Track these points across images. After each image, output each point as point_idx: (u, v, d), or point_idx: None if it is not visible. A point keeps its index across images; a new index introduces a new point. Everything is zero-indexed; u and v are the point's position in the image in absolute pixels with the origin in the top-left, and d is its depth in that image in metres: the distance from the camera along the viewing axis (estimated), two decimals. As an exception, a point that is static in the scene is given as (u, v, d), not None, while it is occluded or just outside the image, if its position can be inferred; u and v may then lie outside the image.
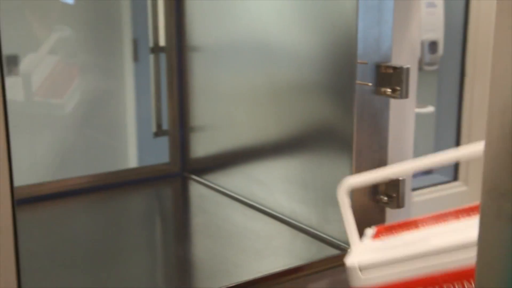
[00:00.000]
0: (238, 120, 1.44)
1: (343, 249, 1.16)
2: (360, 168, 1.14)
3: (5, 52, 1.47)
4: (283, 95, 1.31)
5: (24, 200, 1.38)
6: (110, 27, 1.69)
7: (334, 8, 1.15)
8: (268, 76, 1.33)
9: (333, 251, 1.18)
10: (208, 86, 1.53)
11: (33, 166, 1.61)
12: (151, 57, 1.62)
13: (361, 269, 0.93)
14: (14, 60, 1.49)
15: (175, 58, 1.55)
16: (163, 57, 1.61)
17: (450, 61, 2.06)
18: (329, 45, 1.17)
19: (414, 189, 1.67)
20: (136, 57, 1.79)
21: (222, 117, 1.50)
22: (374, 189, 1.17)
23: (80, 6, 1.61)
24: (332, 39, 1.16)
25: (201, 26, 1.52)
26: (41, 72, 1.56)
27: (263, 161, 1.40)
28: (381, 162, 1.17)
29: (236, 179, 1.46)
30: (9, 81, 1.49)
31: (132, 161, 1.85)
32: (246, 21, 1.37)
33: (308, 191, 1.27)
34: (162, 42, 1.61)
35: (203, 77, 1.54)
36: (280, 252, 1.21)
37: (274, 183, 1.35)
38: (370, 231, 1.04)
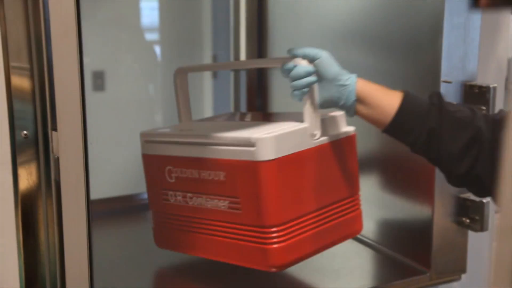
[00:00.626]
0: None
1: (420, 272, 1.14)
2: (443, 191, 1.11)
3: (92, 68, 1.53)
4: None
5: (105, 212, 1.41)
6: (191, 43, 1.72)
7: (419, 27, 1.13)
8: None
9: (409, 274, 1.15)
10: (289, 104, 1.53)
11: (113, 179, 1.65)
12: (232, 74, 1.64)
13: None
14: (100, 76, 1.54)
15: (256, 75, 1.57)
16: (243, 74, 1.62)
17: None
18: (412, 63, 1.15)
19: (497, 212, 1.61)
20: (215, 74, 1.82)
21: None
22: (458, 211, 1.14)
23: (163, 23, 1.65)
24: (416, 58, 1.14)
25: (282, 43, 1.53)
26: (126, 87, 1.60)
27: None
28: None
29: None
30: (96, 96, 1.54)
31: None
32: (328, 38, 1.37)
33: (386, 212, 1.25)
34: (243, 58, 1.62)
35: (283, 94, 1.54)
36: (356, 272, 1.19)
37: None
38: None
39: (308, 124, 1.03)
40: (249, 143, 0.99)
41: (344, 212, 1.10)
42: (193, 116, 1.25)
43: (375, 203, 1.26)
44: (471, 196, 1.11)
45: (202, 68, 1.30)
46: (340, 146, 1.08)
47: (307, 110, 1.02)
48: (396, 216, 1.23)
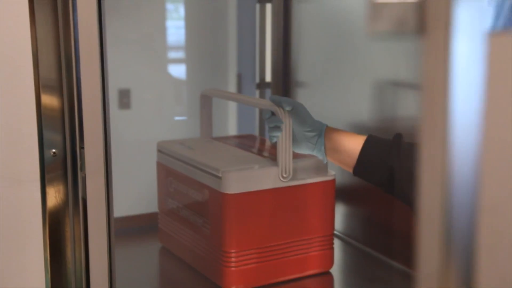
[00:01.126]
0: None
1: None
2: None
3: (118, 86, 1.54)
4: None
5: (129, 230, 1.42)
6: (216, 62, 1.73)
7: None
8: (376, 111, 1.32)
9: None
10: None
11: (138, 197, 1.65)
12: (257, 92, 1.64)
13: None
14: (126, 94, 1.55)
15: (281, 94, 1.57)
16: (268, 92, 1.63)
17: None
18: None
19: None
20: (239, 91, 1.82)
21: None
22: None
23: (189, 42, 1.66)
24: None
25: (307, 61, 1.53)
26: (151, 105, 1.61)
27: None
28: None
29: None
30: (121, 113, 1.55)
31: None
32: (354, 57, 1.37)
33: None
34: (268, 77, 1.63)
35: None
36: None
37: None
38: None
39: (279, 166, 1.11)
40: (217, 175, 1.10)
41: (313, 249, 1.18)
42: (217, 131, 1.38)
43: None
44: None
45: (224, 96, 1.39)
46: (315, 189, 1.16)
47: (279, 152, 1.10)
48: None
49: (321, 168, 1.17)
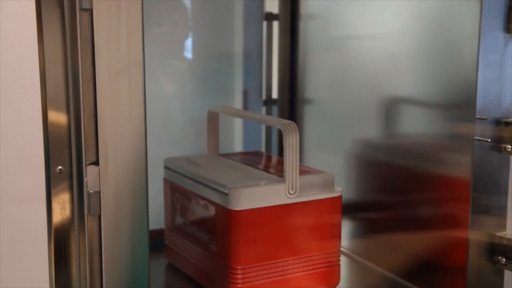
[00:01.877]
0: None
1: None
2: (478, 227, 1.09)
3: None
4: (399, 154, 1.29)
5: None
6: (222, 78, 1.73)
7: (453, 63, 1.13)
8: (384, 128, 1.32)
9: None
10: (321, 139, 1.53)
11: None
12: (263, 109, 1.64)
13: None
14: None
15: (288, 111, 1.57)
16: (275, 109, 1.63)
17: None
18: (447, 99, 1.15)
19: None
20: (245, 108, 1.83)
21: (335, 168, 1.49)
22: (492, 250, 1.11)
23: (196, 58, 1.67)
24: (450, 94, 1.14)
25: (313, 78, 1.53)
26: (159, 120, 1.62)
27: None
28: (500, 223, 1.11)
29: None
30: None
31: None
32: (361, 75, 1.37)
33: (418, 247, 1.23)
34: (274, 94, 1.63)
35: (316, 129, 1.54)
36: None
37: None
38: None
39: (285, 182, 1.11)
40: (224, 191, 1.11)
41: (319, 266, 1.18)
42: (224, 148, 1.39)
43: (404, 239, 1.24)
44: (507, 234, 1.09)
45: (231, 112, 1.40)
46: (322, 205, 1.15)
47: (287, 168, 1.11)
48: (428, 253, 1.21)
49: (328, 184, 1.17)
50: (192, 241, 1.22)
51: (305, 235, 1.16)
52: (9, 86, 0.82)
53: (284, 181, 1.12)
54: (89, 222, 0.86)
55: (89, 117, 0.83)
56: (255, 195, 1.10)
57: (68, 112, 0.85)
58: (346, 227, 1.37)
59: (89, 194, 0.84)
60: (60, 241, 0.87)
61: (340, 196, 1.17)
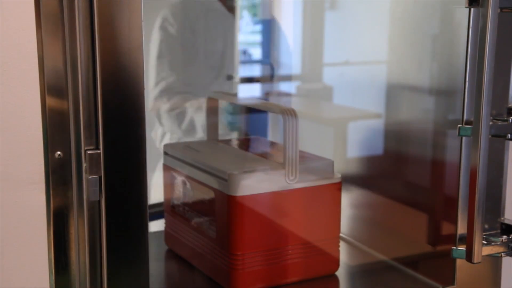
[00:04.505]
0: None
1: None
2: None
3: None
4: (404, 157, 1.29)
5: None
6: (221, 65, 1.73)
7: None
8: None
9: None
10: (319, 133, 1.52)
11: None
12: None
13: None
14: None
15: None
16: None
17: None
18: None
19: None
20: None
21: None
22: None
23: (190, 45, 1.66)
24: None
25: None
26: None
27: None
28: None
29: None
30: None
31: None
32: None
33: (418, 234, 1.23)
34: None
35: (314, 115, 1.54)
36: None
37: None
38: None
39: (285, 168, 1.11)
40: (224, 177, 1.11)
41: (319, 251, 1.18)
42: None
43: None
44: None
45: (230, 99, 1.44)
46: (322, 192, 1.16)
47: (286, 154, 1.11)
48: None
49: (328, 170, 1.17)
50: (192, 227, 1.23)
51: (305, 221, 1.16)
52: (8, 71, 0.81)
53: (283, 167, 1.12)
54: (88, 208, 0.86)
55: (88, 103, 0.83)
56: (255, 181, 1.10)
57: (66, 98, 0.85)
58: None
59: (88, 180, 0.84)
60: (59, 226, 0.88)
61: (340, 182, 1.17)
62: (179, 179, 1.26)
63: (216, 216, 1.15)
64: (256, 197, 1.10)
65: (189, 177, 1.22)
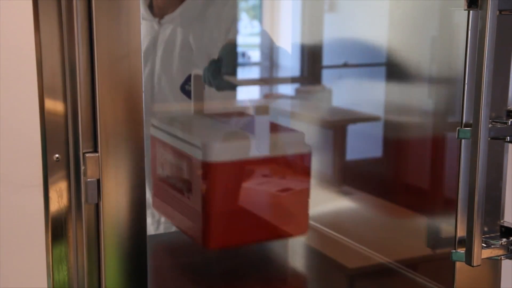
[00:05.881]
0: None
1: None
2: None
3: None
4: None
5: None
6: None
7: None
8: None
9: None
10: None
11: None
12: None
13: None
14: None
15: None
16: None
17: None
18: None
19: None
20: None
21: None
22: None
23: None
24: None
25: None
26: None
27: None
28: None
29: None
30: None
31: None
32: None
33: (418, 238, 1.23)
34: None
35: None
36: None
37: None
38: None
39: (257, 137, 1.21)
40: (198, 145, 1.20)
41: (289, 214, 1.28)
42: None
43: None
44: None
45: None
46: (292, 161, 1.27)
47: (257, 125, 1.21)
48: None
49: (298, 141, 1.25)
50: (172, 189, 1.30)
51: (275, 187, 1.25)
52: (6, 74, 0.81)
53: (255, 137, 1.21)
54: (86, 211, 0.86)
55: (86, 105, 0.83)
56: (226, 149, 1.19)
57: (65, 100, 0.84)
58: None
59: (86, 183, 0.84)
60: (58, 230, 0.87)
61: (310, 153, 1.26)
62: (163, 148, 1.35)
63: (193, 180, 1.23)
64: (227, 164, 1.19)
65: (170, 146, 1.31)
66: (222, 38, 1.46)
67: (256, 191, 1.23)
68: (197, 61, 1.46)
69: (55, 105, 0.84)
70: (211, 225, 1.21)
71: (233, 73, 1.39)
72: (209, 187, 1.20)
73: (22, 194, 0.85)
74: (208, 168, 1.19)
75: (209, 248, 1.23)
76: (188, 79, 1.41)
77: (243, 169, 1.21)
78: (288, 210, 1.26)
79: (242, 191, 1.22)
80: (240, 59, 1.49)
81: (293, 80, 1.73)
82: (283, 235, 1.29)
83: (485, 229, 1.06)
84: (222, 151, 1.19)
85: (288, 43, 1.65)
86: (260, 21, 2.02)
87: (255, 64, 2.04)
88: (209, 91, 1.44)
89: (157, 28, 1.47)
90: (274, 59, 1.69)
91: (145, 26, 1.49)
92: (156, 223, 1.58)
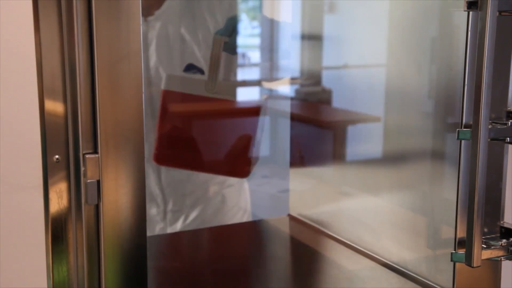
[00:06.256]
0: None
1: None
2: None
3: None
4: (396, 139, 1.28)
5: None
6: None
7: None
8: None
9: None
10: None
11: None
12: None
13: None
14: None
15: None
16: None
17: None
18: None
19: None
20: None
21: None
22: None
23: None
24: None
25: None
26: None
27: (372, 205, 1.37)
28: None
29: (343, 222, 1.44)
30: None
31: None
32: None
33: (418, 238, 1.23)
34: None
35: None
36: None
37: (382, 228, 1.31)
38: None
39: (207, 78, 1.36)
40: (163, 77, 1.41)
41: (232, 155, 1.42)
42: None
43: (407, 229, 1.24)
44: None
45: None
46: (240, 107, 1.42)
47: (210, 67, 1.34)
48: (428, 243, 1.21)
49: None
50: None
51: (223, 128, 1.41)
52: (6, 75, 0.81)
53: (206, 77, 1.36)
54: (86, 212, 0.86)
55: (86, 106, 0.83)
56: (182, 83, 1.36)
57: (65, 101, 0.84)
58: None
59: (86, 184, 0.84)
60: (58, 231, 0.87)
61: (259, 106, 1.42)
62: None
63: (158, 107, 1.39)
64: (179, 95, 1.36)
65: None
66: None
67: (206, 127, 1.41)
68: (191, 51, 1.50)
69: (55, 106, 0.84)
70: (159, 148, 1.39)
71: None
72: (162, 110, 1.37)
73: (22, 195, 0.85)
74: (164, 94, 1.36)
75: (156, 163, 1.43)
76: (188, 67, 1.48)
77: (195, 103, 1.36)
78: (234, 152, 1.40)
79: (191, 124, 1.41)
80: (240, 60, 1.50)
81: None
82: (226, 172, 1.46)
83: (485, 230, 1.06)
84: (177, 84, 1.36)
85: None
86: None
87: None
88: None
89: (146, 27, 1.49)
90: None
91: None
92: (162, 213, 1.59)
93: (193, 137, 1.41)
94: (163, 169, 1.55)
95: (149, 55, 1.47)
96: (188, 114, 1.42)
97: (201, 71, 1.43)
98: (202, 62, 1.45)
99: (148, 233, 0.88)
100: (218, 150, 1.43)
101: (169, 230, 1.60)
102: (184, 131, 1.42)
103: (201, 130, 1.42)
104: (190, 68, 1.44)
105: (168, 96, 1.37)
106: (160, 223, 1.60)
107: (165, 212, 1.59)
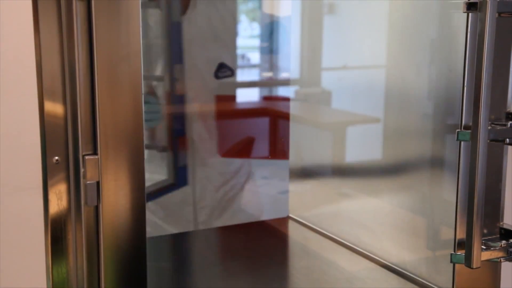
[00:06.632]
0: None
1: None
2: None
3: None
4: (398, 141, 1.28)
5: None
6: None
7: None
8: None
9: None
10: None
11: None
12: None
13: None
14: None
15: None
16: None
17: None
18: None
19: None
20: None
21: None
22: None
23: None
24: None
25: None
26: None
27: (371, 206, 1.37)
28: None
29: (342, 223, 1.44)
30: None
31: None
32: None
33: (418, 239, 1.23)
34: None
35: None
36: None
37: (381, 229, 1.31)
38: None
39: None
40: None
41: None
42: None
43: (407, 231, 1.24)
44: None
45: None
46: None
47: None
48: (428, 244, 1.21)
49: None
50: None
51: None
52: (5, 76, 0.81)
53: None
54: (86, 213, 0.85)
55: (86, 108, 0.83)
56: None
57: (64, 103, 0.84)
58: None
59: (86, 185, 0.84)
60: (57, 231, 0.87)
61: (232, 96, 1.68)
62: None
63: None
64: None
65: None
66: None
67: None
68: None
69: (55, 108, 0.84)
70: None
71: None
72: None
73: (22, 196, 0.84)
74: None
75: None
76: (219, 67, 1.58)
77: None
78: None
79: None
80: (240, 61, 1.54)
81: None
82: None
83: (485, 231, 1.06)
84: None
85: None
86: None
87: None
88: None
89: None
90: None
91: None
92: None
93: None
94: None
95: None
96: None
97: (231, 71, 1.56)
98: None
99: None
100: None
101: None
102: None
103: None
104: (222, 67, 1.56)
105: (220, 100, 1.55)
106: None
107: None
